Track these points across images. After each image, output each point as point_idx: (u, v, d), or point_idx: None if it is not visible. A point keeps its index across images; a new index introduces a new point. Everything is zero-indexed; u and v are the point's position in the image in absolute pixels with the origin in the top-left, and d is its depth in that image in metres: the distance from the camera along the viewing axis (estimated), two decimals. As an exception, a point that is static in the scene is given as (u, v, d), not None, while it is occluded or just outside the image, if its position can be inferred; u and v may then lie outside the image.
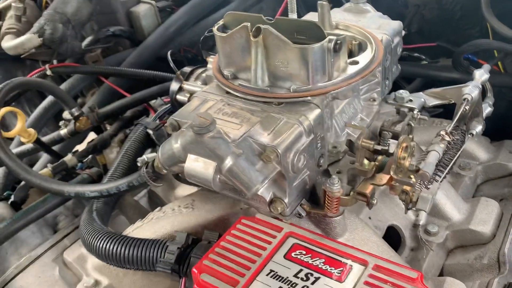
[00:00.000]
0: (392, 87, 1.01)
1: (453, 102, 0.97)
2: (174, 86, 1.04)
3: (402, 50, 1.01)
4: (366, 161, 0.77)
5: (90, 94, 1.54)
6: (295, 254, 0.71)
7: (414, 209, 0.82)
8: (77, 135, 1.32)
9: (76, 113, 1.26)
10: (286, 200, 0.73)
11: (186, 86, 1.03)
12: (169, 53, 1.11)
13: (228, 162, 0.68)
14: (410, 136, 0.81)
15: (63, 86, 1.42)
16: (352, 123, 0.81)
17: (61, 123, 1.32)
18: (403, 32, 1.02)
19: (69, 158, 1.19)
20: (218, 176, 0.70)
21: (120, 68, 1.41)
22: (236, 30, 0.75)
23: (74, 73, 1.42)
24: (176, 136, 0.74)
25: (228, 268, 0.70)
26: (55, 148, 1.34)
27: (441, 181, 0.87)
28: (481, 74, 0.99)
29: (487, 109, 1.03)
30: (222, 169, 0.69)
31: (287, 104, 0.76)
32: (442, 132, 0.78)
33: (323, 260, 0.70)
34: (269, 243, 0.73)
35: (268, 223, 0.77)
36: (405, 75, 1.33)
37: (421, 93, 1.03)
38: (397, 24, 0.97)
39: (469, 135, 0.99)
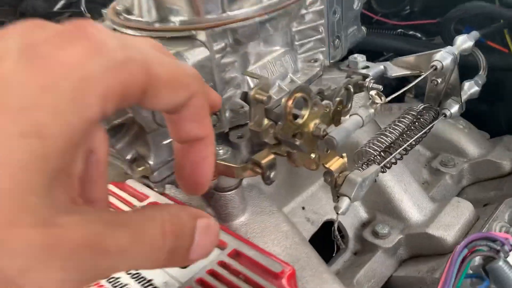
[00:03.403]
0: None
1: (422, 72, 0.77)
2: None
3: (364, 7, 0.82)
4: (266, 121, 0.59)
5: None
6: (147, 229, 0.55)
7: (338, 195, 0.63)
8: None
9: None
10: (150, 161, 0.57)
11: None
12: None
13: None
14: (338, 100, 0.62)
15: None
16: (256, 74, 0.63)
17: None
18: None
19: None
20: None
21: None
22: None
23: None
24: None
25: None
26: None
27: (384, 165, 0.67)
28: (463, 41, 0.78)
29: (473, 88, 0.81)
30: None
31: (170, 40, 0.60)
32: (372, 92, 0.59)
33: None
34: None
35: (135, 190, 0.61)
36: (381, 49, 1.13)
37: (387, 62, 0.84)
38: (355, -27, 0.78)
39: (441, 116, 0.78)
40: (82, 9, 0.96)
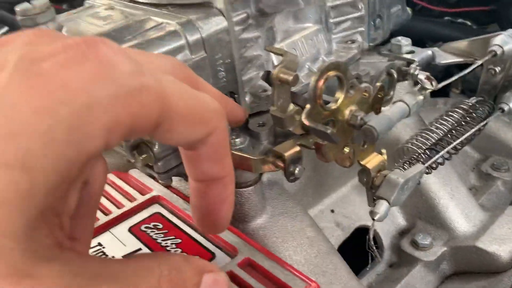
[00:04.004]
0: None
1: (476, 59, 0.66)
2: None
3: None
4: (291, 106, 0.50)
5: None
6: (146, 227, 0.46)
7: (375, 197, 0.54)
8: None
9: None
10: (155, 149, 0.48)
11: None
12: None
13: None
14: (379, 85, 0.52)
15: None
16: (281, 49, 0.53)
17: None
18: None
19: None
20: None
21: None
22: None
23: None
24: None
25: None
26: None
27: (429, 165, 0.57)
28: (528, 24, 0.67)
29: (536, 81, 0.70)
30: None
31: (183, 7, 0.51)
32: (422, 76, 0.49)
33: (179, 240, 0.44)
34: (121, 206, 0.49)
35: (137, 182, 0.53)
36: (427, 37, 1.01)
37: (435, 47, 0.73)
38: None
39: (498, 112, 0.67)
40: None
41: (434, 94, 0.88)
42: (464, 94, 1.07)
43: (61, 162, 0.22)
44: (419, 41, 1.07)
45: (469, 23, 1.03)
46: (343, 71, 0.44)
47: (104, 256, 0.43)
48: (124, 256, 0.42)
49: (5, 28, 1.21)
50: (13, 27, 1.14)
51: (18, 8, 0.46)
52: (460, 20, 1.04)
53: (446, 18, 1.05)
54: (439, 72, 0.93)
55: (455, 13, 1.05)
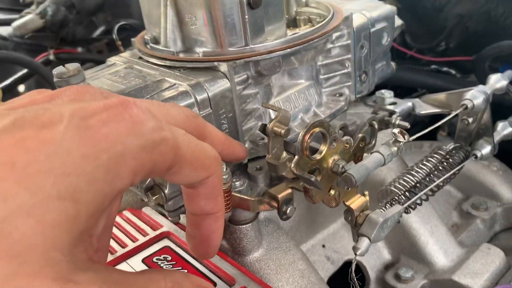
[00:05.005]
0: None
1: (451, 111, 0.74)
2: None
3: (396, 42, 0.80)
4: (284, 154, 0.58)
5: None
6: (157, 259, 0.54)
7: (358, 234, 0.61)
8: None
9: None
10: (166, 190, 0.56)
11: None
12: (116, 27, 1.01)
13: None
14: (360, 136, 0.60)
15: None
16: (275, 106, 0.62)
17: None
18: (400, 22, 0.82)
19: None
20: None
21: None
22: (148, -21, 0.63)
23: (74, 60, 1.37)
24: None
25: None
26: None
27: (408, 205, 0.64)
28: (497, 80, 0.75)
29: (506, 129, 0.78)
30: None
31: (193, 70, 0.60)
32: (395, 130, 0.57)
33: (186, 271, 0.52)
34: (135, 240, 0.57)
35: (149, 218, 0.61)
36: (412, 85, 1.10)
37: (416, 99, 0.82)
38: (386, 8, 0.77)
39: (472, 157, 0.75)
40: (114, 36, 0.99)
41: (423, 137, 0.96)
42: (451, 136, 1.16)
43: (99, 196, 0.29)
44: (410, 89, 1.17)
45: (453, 71, 1.12)
46: (326, 127, 0.52)
47: (121, 283, 0.50)
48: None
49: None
50: (32, 68, 1.23)
51: (55, 71, 0.55)
52: (445, 69, 1.13)
53: (433, 66, 1.14)
54: (426, 117, 1.01)
55: (442, 62, 1.14)
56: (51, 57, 1.32)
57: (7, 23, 1.35)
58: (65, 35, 1.28)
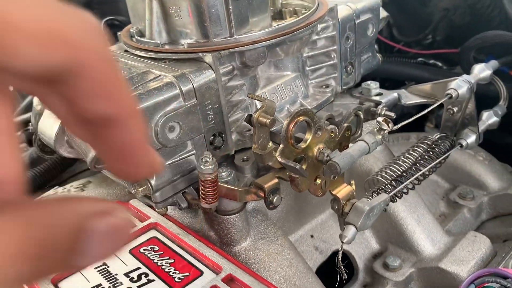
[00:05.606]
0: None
1: (437, 100, 0.75)
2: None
3: (380, 34, 0.81)
4: (270, 144, 0.58)
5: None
6: (144, 249, 0.54)
7: (344, 223, 0.61)
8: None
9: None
10: (152, 182, 0.56)
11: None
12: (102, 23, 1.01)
13: (70, 116, 0.53)
14: (346, 125, 0.61)
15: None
16: (258, 97, 0.62)
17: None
18: (385, 13, 0.82)
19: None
20: (66, 138, 0.56)
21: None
22: (132, -28, 0.63)
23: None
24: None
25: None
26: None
27: (394, 194, 0.65)
28: (481, 70, 0.76)
29: (491, 119, 0.79)
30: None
31: (178, 62, 0.60)
32: (379, 119, 0.58)
33: (173, 260, 0.52)
34: (123, 232, 0.57)
35: (137, 210, 0.61)
36: (399, 78, 1.11)
37: (402, 89, 0.82)
38: (370, 0, 0.77)
39: (457, 147, 0.76)
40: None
41: (410, 128, 0.97)
42: (438, 128, 1.17)
43: None
44: (399, 81, 1.17)
45: (440, 64, 1.13)
46: (310, 116, 0.52)
47: (108, 274, 0.50)
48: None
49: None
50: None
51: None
52: (432, 61, 1.13)
53: (420, 59, 1.15)
54: (413, 108, 1.02)
55: (428, 54, 1.15)
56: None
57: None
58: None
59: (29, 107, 1.38)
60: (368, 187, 0.68)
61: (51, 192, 0.75)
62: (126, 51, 0.67)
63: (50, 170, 0.88)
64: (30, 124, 1.05)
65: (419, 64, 1.11)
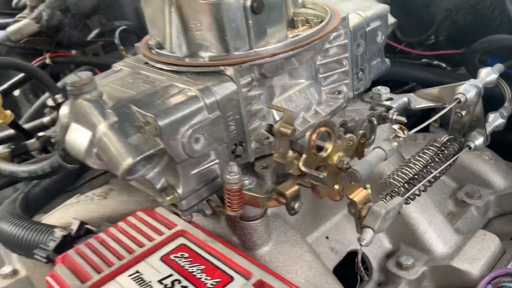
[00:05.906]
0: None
1: (445, 104, 0.78)
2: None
3: (388, 39, 0.83)
4: (290, 153, 0.61)
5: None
6: (174, 256, 0.57)
7: (362, 226, 0.64)
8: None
9: (60, 100, 1.21)
10: (179, 190, 0.59)
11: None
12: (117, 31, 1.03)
13: (100, 130, 0.56)
14: (361, 132, 0.63)
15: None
16: (280, 107, 0.65)
17: (46, 110, 1.28)
18: (393, 20, 0.84)
19: (31, 142, 1.13)
20: (95, 150, 0.59)
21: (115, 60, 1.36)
22: (152, -14, 0.65)
23: (71, 63, 1.39)
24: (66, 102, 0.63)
25: (90, 261, 0.57)
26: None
27: (407, 197, 0.68)
28: (487, 74, 0.79)
29: (497, 120, 0.81)
30: (96, 140, 0.57)
31: (199, 75, 0.63)
32: (395, 127, 0.60)
33: (203, 267, 0.54)
34: (151, 239, 0.59)
35: (164, 218, 0.63)
36: (405, 80, 1.13)
37: (411, 94, 0.85)
38: (379, 7, 0.80)
39: (466, 149, 0.78)
40: (116, 41, 1.01)
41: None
42: (442, 128, 1.19)
43: None
44: (401, 82, 1.20)
45: (444, 65, 1.16)
46: (331, 127, 0.55)
47: (143, 282, 0.53)
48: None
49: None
50: (30, 73, 1.23)
51: (68, 80, 0.57)
52: (436, 62, 1.16)
53: (424, 60, 1.17)
54: (418, 110, 1.05)
55: (432, 55, 1.17)
56: (47, 60, 1.32)
57: (1, 27, 1.35)
58: (61, 39, 1.29)
59: (36, 115, 1.40)
60: (381, 189, 0.71)
61: (73, 200, 0.78)
62: (146, 63, 0.69)
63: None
64: (46, 131, 1.07)
65: (424, 66, 1.14)
